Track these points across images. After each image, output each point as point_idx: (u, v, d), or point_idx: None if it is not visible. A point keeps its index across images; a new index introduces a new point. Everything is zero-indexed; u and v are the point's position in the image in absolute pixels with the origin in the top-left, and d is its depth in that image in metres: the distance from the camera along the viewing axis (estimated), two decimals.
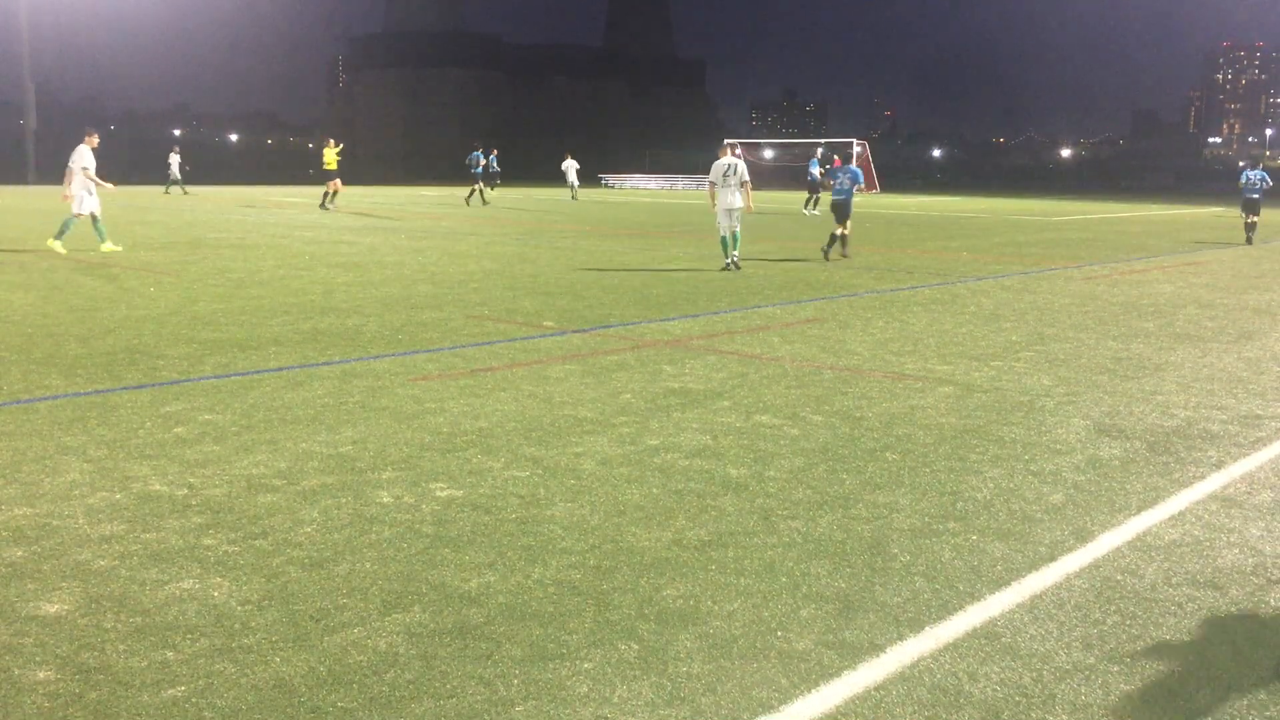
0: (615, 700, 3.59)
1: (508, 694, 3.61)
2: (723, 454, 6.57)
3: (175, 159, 47.31)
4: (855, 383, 8.72)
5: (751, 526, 5.30)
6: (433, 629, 4.09)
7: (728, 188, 17.14)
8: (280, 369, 8.94)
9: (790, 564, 4.81)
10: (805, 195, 38.38)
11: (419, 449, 6.57)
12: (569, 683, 3.70)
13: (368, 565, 4.71)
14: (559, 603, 4.35)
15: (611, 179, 76.49)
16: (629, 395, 8.13)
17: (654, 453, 6.57)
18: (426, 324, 11.43)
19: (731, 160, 17.28)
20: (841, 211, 20.01)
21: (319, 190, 37.02)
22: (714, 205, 17.54)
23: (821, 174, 35.82)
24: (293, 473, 6.03)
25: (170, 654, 3.84)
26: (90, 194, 18.59)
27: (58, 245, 18.46)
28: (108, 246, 18.74)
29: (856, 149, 69.95)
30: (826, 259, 19.60)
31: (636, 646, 3.97)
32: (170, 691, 3.58)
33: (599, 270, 17.30)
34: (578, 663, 3.84)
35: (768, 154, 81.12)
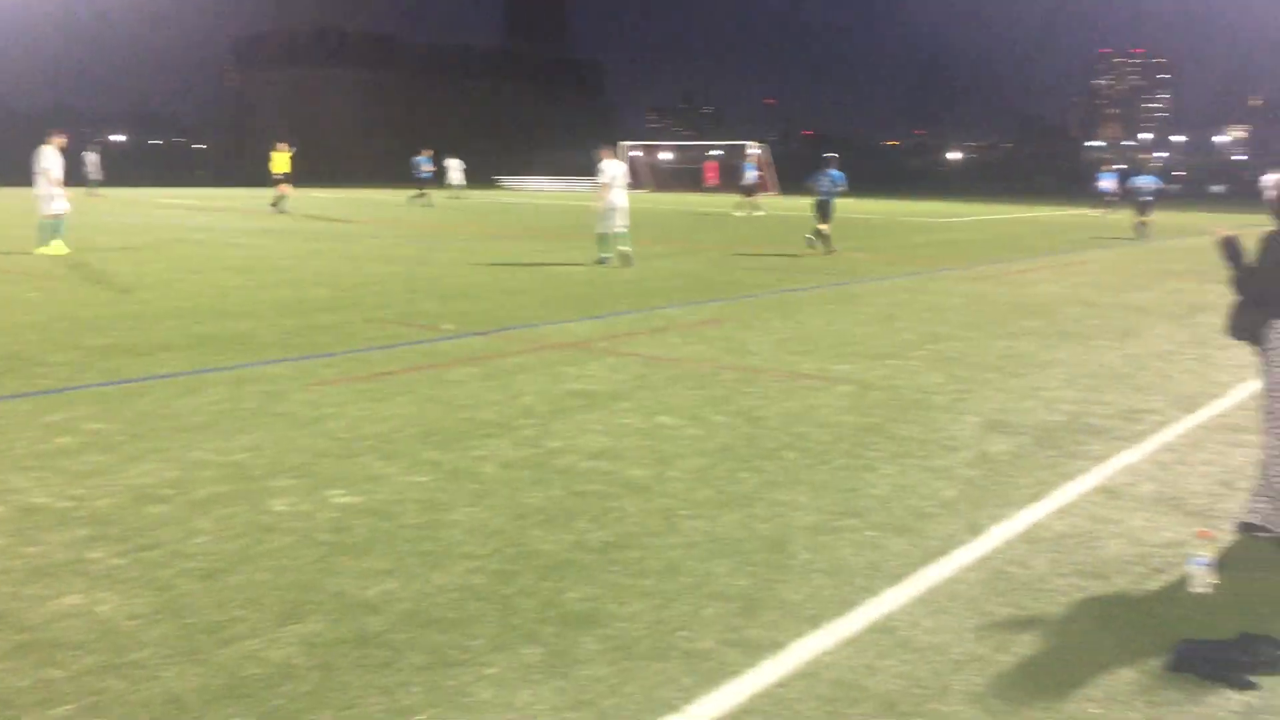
0: (519, 705, 3.57)
1: (409, 702, 3.57)
2: (624, 455, 6.58)
3: (93, 157, 44.86)
4: (755, 382, 8.82)
5: (654, 527, 5.32)
6: (331, 639, 4.01)
7: (618, 187, 18.26)
8: (170, 375, 8.70)
9: (692, 564, 4.84)
10: (739, 198, 39.60)
11: (316, 455, 6.45)
12: (472, 689, 3.67)
13: (263, 575, 4.60)
14: (461, 608, 4.31)
15: (510, 180, 76.05)
16: (530, 397, 8.10)
17: (556, 455, 6.55)
18: (323, 328, 11.24)
19: (618, 164, 18.59)
20: (824, 210, 21.94)
21: (208, 192, 36.14)
22: (602, 203, 18.42)
23: (760, 177, 38.00)
24: (184, 482, 5.88)
25: (56, 672, 3.70)
26: (55, 195, 18.35)
27: (57, 248, 18.38)
28: (43, 249, 18.34)
29: (755, 151, 70.74)
30: (810, 245, 21.92)
31: (540, 650, 3.96)
32: (57, 711, 3.45)
33: (499, 272, 17.20)
34: (480, 668, 3.81)
35: (667, 156, 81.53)
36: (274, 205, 33.48)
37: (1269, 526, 5.28)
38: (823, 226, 21.79)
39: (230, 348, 9.94)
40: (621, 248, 18.20)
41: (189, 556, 4.80)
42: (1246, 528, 5.37)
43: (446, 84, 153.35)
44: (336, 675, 3.74)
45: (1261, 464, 5.42)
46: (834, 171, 22.04)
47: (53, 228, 18.50)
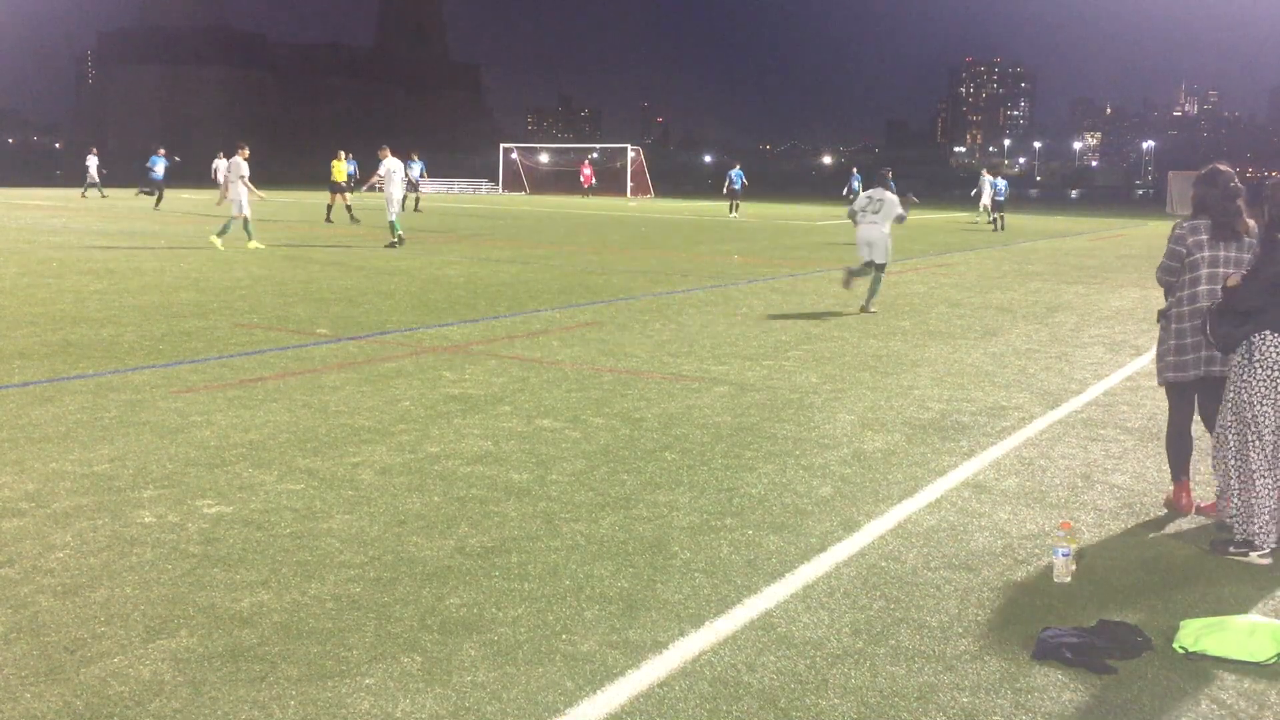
0: (399, 715, 3.52)
1: (283, 716, 3.48)
2: (504, 459, 6.55)
3: (94, 160, 43.76)
4: (634, 384, 8.86)
5: (534, 531, 5.30)
6: (201, 653, 3.89)
7: (395, 183, 22.63)
8: (26, 384, 8.32)
9: (573, 567, 4.84)
10: (728, 203, 43.32)
11: (184, 465, 6.25)
12: (349, 700, 3.60)
13: (128, 590, 4.44)
14: (338, 618, 4.23)
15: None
16: (408, 403, 7.99)
17: (434, 460, 6.48)
18: (190, 333, 10.89)
19: (396, 161, 22.74)
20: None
21: (66, 192, 34.61)
22: (384, 195, 22.88)
23: (745, 184, 42.74)
24: (42, 494, 5.63)
25: None
26: (244, 199, 21.32)
27: (218, 242, 21.00)
28: (253, 244, 21.04)
29: (631, 154, 71.13)
30: None
31: (419, 658, 3.91)
32: None
33: (374, 276, 16.92)
34: (358, 679, 3.74)
35: (544, 158, 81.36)
36: (353, 219, 31.04)
37: (1259, 543, 5.19)
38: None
39: (91, 355, 9.57)
40: (399, 231, 22.34)
41: (48, 572, 4.60)
42: (1218, 545, 5.30)
43: (321, 84, 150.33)
44: (207, 691, 3.63)
45: (1240, 477, 5.31)
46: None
47: (240, 224, 21.35)
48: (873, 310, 13.81)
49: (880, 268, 13.98)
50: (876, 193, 14.06)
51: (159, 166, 37.45)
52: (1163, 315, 5.96)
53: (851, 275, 14.26)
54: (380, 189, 23.31)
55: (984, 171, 41.23)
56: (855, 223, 14.08)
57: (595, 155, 71.74)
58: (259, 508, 5.53)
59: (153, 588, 4.48)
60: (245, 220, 21.25)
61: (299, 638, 4.05)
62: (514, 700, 3.63)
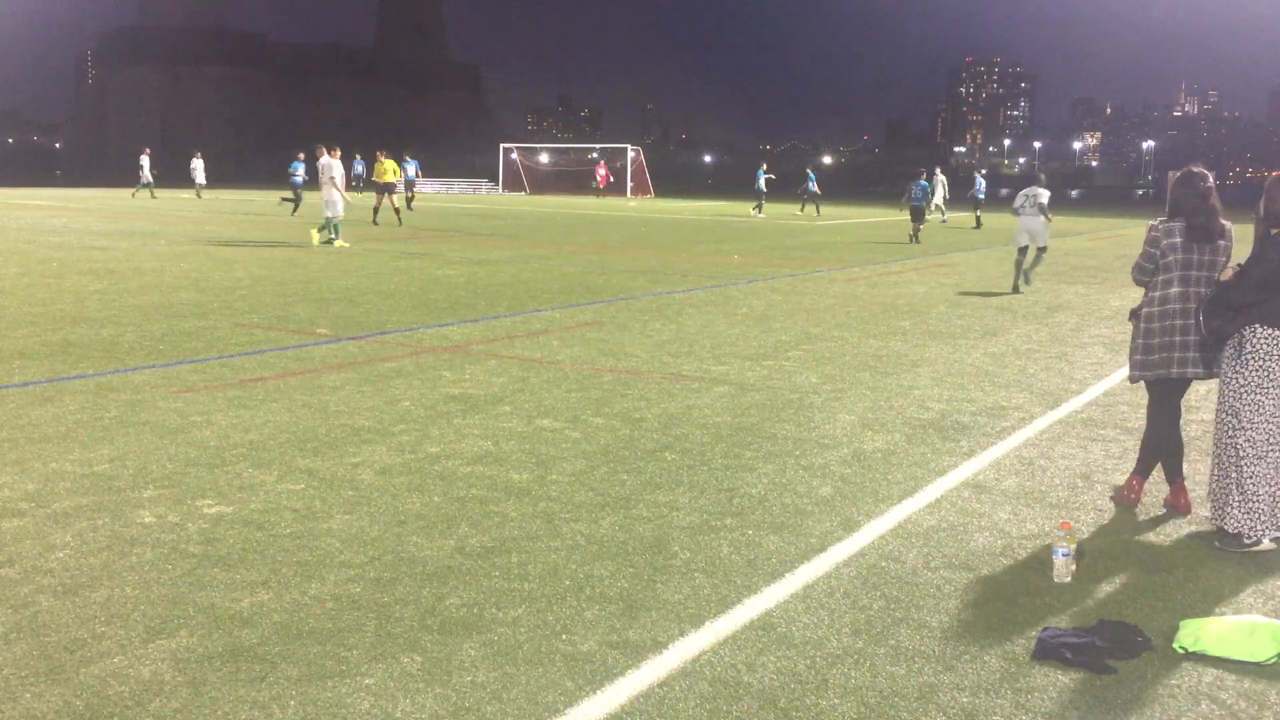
0: (399, 715, 3.52)
1: (283, 716, 3.48)
2: (504, 459, 6.55)
3: (146, 161, 43.82)
4: (634, 384, 8.86)
5: (534, 531, 5.30)
6: (201, 653, 3.89)
7: (329, 182, 22.47)
8: (26, 384, 8.33)
9: (573, 567, 4.84)
10: (754, 202, 44.12)
11: (184, 465, 6.25)
12: (349, 700, 3.60)
13: (128, 590, 4.44)
14: (338, 618, 4.23)
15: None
16: (408, 403, 7.99)
17: (434, 460, 6.48)
18: (190, 333, 10.89)
19: (339, 162, 22.70)
20: (915, 214, 28.50)
21: (66, 192, 34.45)
22: (325, 194, 22.82)
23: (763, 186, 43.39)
24: (42, 494, 5.63)
25: None
26: (339, 197, 22.09)
27: (342, 243, 22.05)
28: (340, 243, 22.01)
29: (631, 154, 71.13)
30: (911, 242, 27.93)
31: (419, 658, 3.91)
32: None
33: (374, 275, 16.92)
34: (358, 679, 3.74)
35: (544, 158, 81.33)
36: (396, 217, 30.13)
37: (1250, 534, 5.23)
38: (920, 225, 28.46)
39: (91, 355, 9.57)
40: (340, 231, 22.60)
41: (48, 572, 4.60)
42: (1227, 540, 5.29)
43: (320, 84, 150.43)
44: (207, 691, 3.63)
45: (1223, 469, 5.35)
46: (923, 182, 28.78)
47: (335, 226, 22.24)
48: (1032, 283, 17.03)
49: (1042, 249, 17.05)
50: (1032, 190, 16.80)
51: (300, 171, 34.98)
52: (1134, 314, 6.02)
53: (1020, 267, 17.01)
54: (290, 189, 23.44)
55: (938, 170, 41.25)
56: (1017, 215, 16.88)
57: (595, 155, 71.69)
58: (259, 508, 5.53)
59: (153, 588, 4.48)
60: (330, 220, 22.06)
61: (299, 638, 4.05)
62: (514, 700, 3.63)
